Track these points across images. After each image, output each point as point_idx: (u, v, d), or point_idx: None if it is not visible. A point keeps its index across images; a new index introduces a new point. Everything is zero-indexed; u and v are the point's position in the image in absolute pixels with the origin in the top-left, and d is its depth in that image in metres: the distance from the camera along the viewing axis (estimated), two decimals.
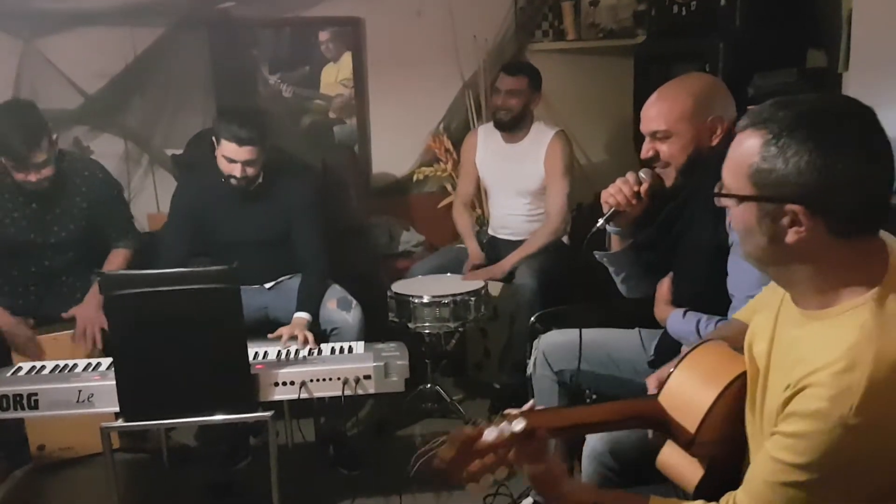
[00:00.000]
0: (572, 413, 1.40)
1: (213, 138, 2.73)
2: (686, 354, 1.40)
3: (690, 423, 1.31)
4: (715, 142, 1.85)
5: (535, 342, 2.32)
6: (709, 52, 2.99)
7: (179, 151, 3.56)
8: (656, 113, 1.86)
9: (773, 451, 1.14)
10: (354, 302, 2.78)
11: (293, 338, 2.55)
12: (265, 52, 3.76)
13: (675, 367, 1.39)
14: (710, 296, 1.83)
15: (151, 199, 3.71)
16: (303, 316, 2.69)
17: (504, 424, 1.23)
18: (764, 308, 1.34)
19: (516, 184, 3.27)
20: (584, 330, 2.08)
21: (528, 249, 3.17)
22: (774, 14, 2.91)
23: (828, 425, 1.06)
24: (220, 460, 2.82)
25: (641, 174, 1.92)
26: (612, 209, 1.93)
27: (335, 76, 3.84)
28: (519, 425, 1.23)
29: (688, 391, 1.34)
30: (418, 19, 3.80)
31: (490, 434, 1.22)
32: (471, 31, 3.80)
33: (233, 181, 2.70)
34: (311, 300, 2.76)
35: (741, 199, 1.16)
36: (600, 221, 1.94)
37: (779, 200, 1.11)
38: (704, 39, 3.02)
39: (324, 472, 2.76)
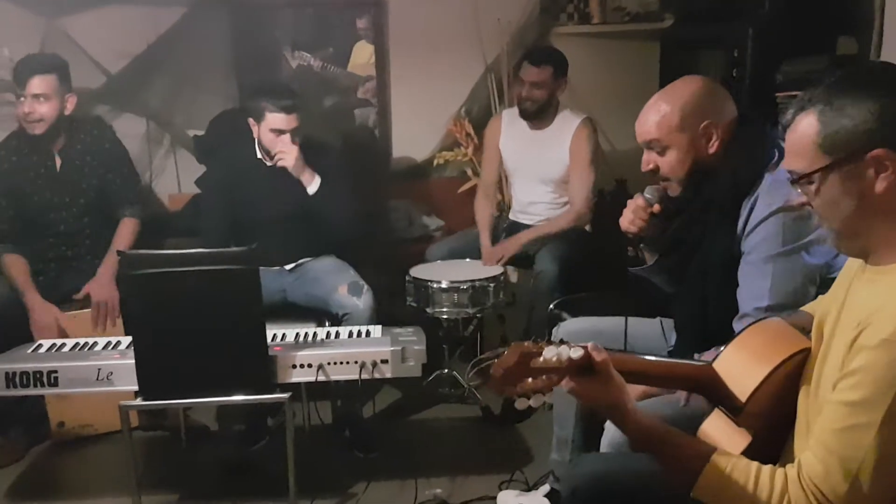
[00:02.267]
0: (629, 360, 1.39)
1: (251, 119, 2.72)
2: (746, 328, 1.40)
3: (742, 391, 1.31)
4: (712, 149, 1.80)
5: (555, 329, 2.30)
6: (737, 38, 2.94)
7: (201, 132, 3.56)
8: (646, 124, 1.82)
9: (837, 396, 1.14)
10: (366, 287, 2.78)
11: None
12: (287, 33, 3.74)
13: (735, 337, 1.39)
14: (716, 314, 1.81)
15: (173, 180, 3.72)
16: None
17: (563, 348, 1.24)
18: (834, 291, 1.34)
19: (540, 171, 3.23)
20: (603, 318, 2.06)
21: (547, 229, 3.13)
22: None
23: (893, 354, 1.07)
24: (237, 441, 2.84)
25: (647, 195, 1.90)
26: (634, 237, 1.94)
27: (365, 58, 3.81)
28: (577, 353, 1.25)
29: (744, 361, 1.35)
30: (442, 2, 3.76)
31: (549, 352, 1.23)
32: (494, 14, 3.75)
33: (280, 156, 2.71)
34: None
35: (824, 170, 1.17)
36: (630, 250, 1.98)
37: (859, 153, 1.14)
38: (732, 25, 2.97)
39: (340, 455, 2.77)
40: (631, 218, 1.92)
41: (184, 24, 3.54)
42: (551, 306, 2.75)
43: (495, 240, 3.28)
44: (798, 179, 1.21)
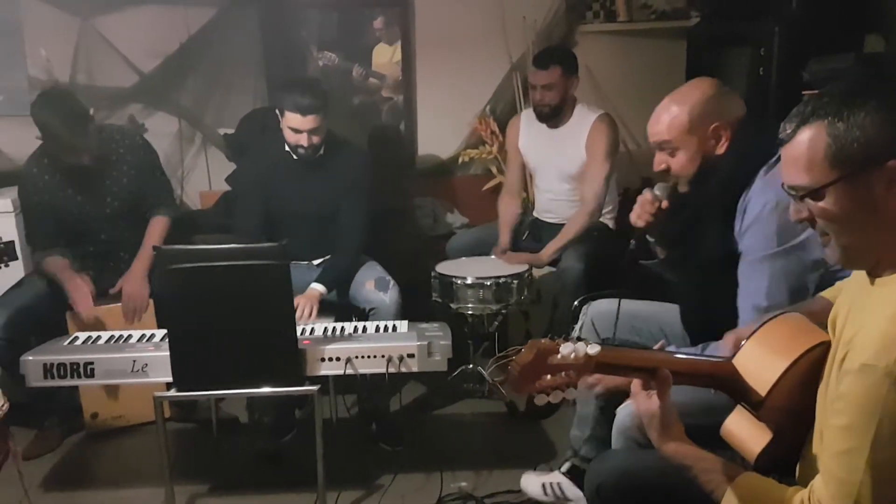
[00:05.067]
0: (649, 356, 1.40)
1: (277, 111, 2.79)
2: (765, 322, 1.41)
3: (762, 386, 1.32)
4: (721, 150, 1.84)
5: (584, 308, 2.33)
6: (763, 36, 2.93)
7: (231, 130, 3.62)
8: (659, 126, 1.86)
9: (831, 419, 1.15)
10: (392, 282, 2.82)
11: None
12: (315, 33, 3.79)
13: (753, 332, 1.40)
14: (718, 308, 1.82)
15: (204, 177, 3.79)
16: (317, 287, 2.73)
17: (580, 345, 1.26)
18: (850, 286, 1.34)
19: (558, 168, 3.24)
20: (635, 301, 2.08)
21: (566, 236, 3.13)
22: None
23: (874, 378, 1.07)
24: (266, 432, 2.89)
25: (657, 191, 1.94)
26: (642, 230, 1.96)
27: (389, 56, 3.86)
28: (594, 349, 1.26)
29: (763, 356, 1.36)
30: (468, 1, 3.79)
31: (565, 349, 1.25)
32: (520, 12, 3.78)
33: (300, 151, 2.76)
34: (333, 275, 2.80)
35: (834, 184, 1.14)
36: (632, 243, 1.99)
37: (872, 165, 1.11)
38: (759, 23, 2.96)
39: (366, 447, 2.81)
40: (639, 212, 1.95)
41: (215, 24, 3.60)
42: (576, 303, 2.76)
43: (518, 237, 3.30)
44: (804, 195, 1.18)
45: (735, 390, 1.38)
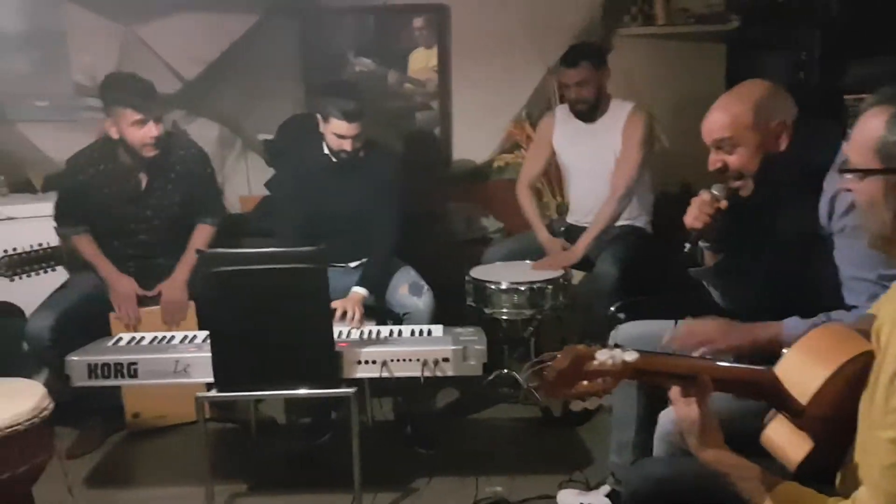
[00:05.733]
0: (688, 362, 1.40)
1: (318, 116, 2.84)
2: (807, 331, 1.41)
3: (803, 394, 1.31)
4: (783, 146, 1.85)
5: (612, 333, 2.31)
6: (805, 40, 2.90)
7: (270, 136, 3.67)
8: (718, 123, 1.87)
9: (883, 432, 1.14)
10: (426, 287, 2.84)
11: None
12: (353, 39, 3.82)
13: (796, 342, 1.39)
14: (803, 295, 1.81)
15: (243, 182, 3.84)
16: (359, 291, 2.77)
17: (617, 351, 1.26)
18: (890, 297, 1.33)
19: (596, 163, 3.22)
20: (662, 322, 2.06)
21: (599, 224, 3.10)
22: None
23: None
24: (302, 434, 2.93)
25: (714, 191, 1.92)
26: (698, 233, 1.94)
27: (426, 62, 3.88)
28: (631, 356, 1.26)
29: (805, 365, 1.34)
30: (504, 5, 3.80)
31: (602, 355, 1.25)
32: (556, 16, 3.77)
33: (342, 155, 2.81)
34: (372, 277, 2.83)
35: (871, 173, 1.19)
36: (687, 246, 1.96)
37: None
38: (800, 26, 2.92)
39: (401, 450, 2.84)
40: (696, 213, 1.93)
41: (255, 31, 3.64)
42: (611, 309, 2.75)
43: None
44: (847, 169, 1.25)
45: (776, 399, 1.37)
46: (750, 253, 1.97)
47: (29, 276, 2.59)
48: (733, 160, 1.87)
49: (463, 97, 3.92)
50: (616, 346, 1.29)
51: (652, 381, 1.37)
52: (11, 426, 2.10)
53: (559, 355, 1.26)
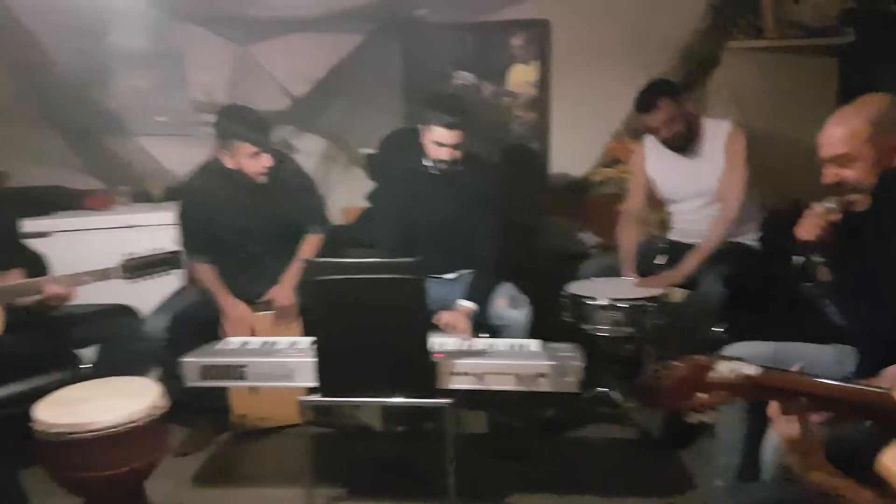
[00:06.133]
0: (805, 381, 1.35)
1: (420, 125, 2.90)
2: None
3: None
4: None
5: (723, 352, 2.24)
6: None
7: (372, 150, 3.77)
8: (836, 138, 1.84)
9: None
10: (524, 300, 2.84)
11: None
12: (453, 54, 3.88)
13: None
14: None
15: (346, 194, 3.95)
16: (467, 304, 2.79)
17: (738, 364, 1.23)
18: None
19: (696, 185, 3.13)
20: (773, 343, 1.99)
21: (708, 246, 3.01)
22: None
23: None
24: (398, 442, 2.97)
25: (828, 204, 1.89)
26: (810, 245, 1.91)
27: (524, 77, 3.90)
28: (753, 370, 1.24)
29: None
30: (605, 18, 3.77)
31: (723, 367, 1.23)
32: (660, 28, 3.71)
33: (441, 165, 2.86)
34: (478, 291, 2.85)
35: None
36: (799, 259, 1.94)
37: None
38: None
39: (494, 463, 2.83)
40: (809, 225, 1.90)
41: (361, 49, 3.76)
42: (715, 329, 2.67)
43: (649, 260, 3.20)
44: None
45: (891, 425, 1.30)
46: (864, 269, 1.89)
47: (146, 279, 2.77)
48: (850, 175, 1.84)
49: (562, 110, 3.91)
50: (738, 357, 1.27)
51: (769, 397, 1.32)
52: (130, 422, 2.24)
53: (679, 364, 1.25)
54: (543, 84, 3.89)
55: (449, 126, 2.81)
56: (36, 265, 3.03)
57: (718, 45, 3.73)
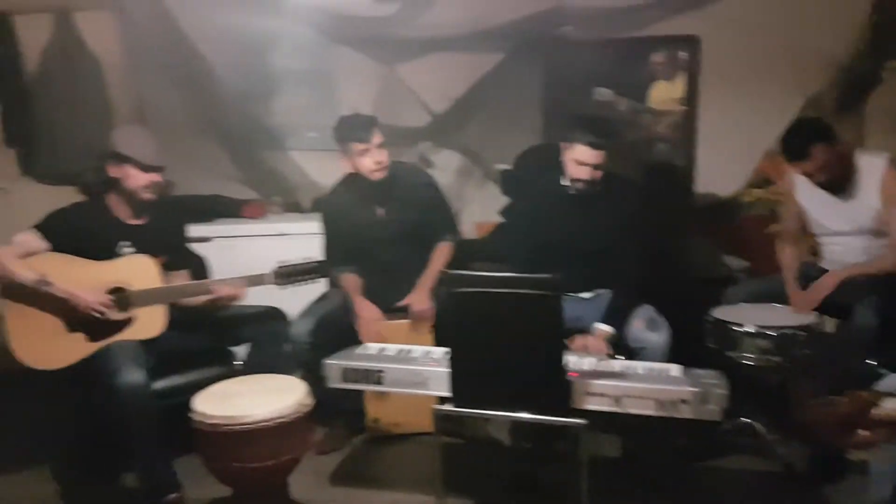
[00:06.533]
0: None
1: (562, 144, 2.91)
2: None
3: None
4: None
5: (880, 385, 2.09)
6: None
7: (508, 166, 3.80)
8: None
9: None
10: (663, 323, 2.77)
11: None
12: (594, 72, 3.85)
13: None
14: None
15: (480, 209, 4.00)
16: (604, 329, 2.75)
17: None
18: None
19: (850, 223, 2.95)
20: None
21: (867, 269, 2.83)
22: None
23: None
24: (526, 459, 2.96)
25: None
26: None
27: (668, 94, 3.82)
28: None
29: None
30: (758, 34, 3.62)
31: (889, 404, 1.16)
32: (816, 44, 3.52)
33: (580, 185, 2.85)
34: (616, 312, 2.81)
35: None
36: None
37: None
38: None
39: (626, 488, 2.76)
40: None
41: (502, 67, 3.81)
42: (868, 361, 2.49)
43: (804, 286, 3.04)
44: None
45: None
46: None
47: (295, 286, 2.93)
48: None
49: (710, 128, 3.79)
50: None
51: None
52: (278, 418, 2.38)
53: (844, 399, 1.19)
54: (690, 101, 3.78)
55: (594, 146, 2.80)
56: (199, 268, 3.29)
57: (879, 64, 3.50)
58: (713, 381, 2.29)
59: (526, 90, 3.87)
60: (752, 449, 2.95)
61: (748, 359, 2.77)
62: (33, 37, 3.92)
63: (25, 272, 2.64)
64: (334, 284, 3.31)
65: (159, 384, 2.75)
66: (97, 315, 2.71)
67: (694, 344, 2.91)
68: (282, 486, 2.57)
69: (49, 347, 2.72)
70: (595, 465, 2.69)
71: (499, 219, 3.78)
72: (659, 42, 3.76)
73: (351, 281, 3.25)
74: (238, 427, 2.33)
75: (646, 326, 2.76)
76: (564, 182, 2.94)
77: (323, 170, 3.95)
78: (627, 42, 3.81)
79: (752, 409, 2.99)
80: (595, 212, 2.91)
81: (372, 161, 3.12)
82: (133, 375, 2.59)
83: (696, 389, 2.23)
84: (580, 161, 2.82)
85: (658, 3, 3.66)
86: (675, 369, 2.45)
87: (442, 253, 3.27)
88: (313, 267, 2.97)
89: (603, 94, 3.86)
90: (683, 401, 2.23)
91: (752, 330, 2.73)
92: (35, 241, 2.72)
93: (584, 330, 2.88)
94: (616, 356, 2.72)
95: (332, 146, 3.97)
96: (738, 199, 3.74)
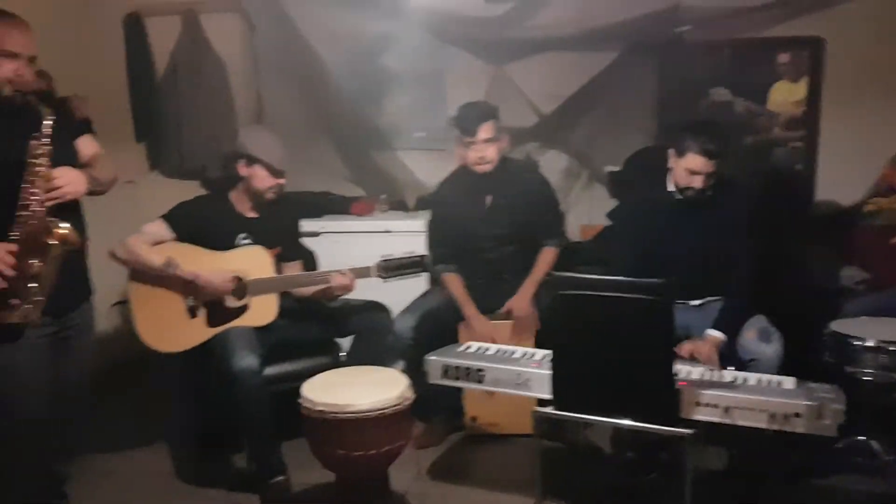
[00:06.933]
0: None
1: (671, 150, 2.83)
2: None
3: None
4: None
5: None
6: None
7: (617, 168, 3.74)
8: None
9: None
10: (776, 334, 2.67)
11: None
12: (712, 73, 3.74)
13: None
14: None
15: (586, 212, 3.95)
16: (715, 334, 2.67)
17: None
18: None
19: None
20: None
21: None
22: None
23: None
24: (628, 468, 2.90)
25: None
26: None
27: (788, 95, 3.66)
28: None
29: None
30: (887, 38, 3.43)
31: None
32: None
33: (688, 192, 2.78)
34: (727, 321, 2.72)
35: None
36: None
37: None
38: None
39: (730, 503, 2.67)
40: None
41: (614, 67, 3.72)
42: None
43: None
44: None
45: None
46: None
47: (396, 279, 3.00)
48: None
49: (833, 133, 3.62)
50: None
51: None
52: (381, 409, 2.44)
53: None
54: (812, 105, 3.61)
55: (707, 154, 2.71)
56: (309, 260, 3.41)
57: None
58: (829, 396, 2.19)
59: (639, 91, 3.79)
60: (867, 469, 2.79)
61: (867, 374, 2.63)
62: (163, 38, 4.15)
63: (154, 256, 2.82)
64: (436, 282, 3.35)
65: (269, 370, 2.87)
66: (221, 296, 2.84)
67: (809, 357, 2.79)
68: (382, 477, 2.63)
69: (171, 331, 2.89)
70: (699, 478, 2.63)
71: (605, 222, 3.72)
72: (780, 43, 3.61)
73: (454, 282, 3.27)
74: (343, 416, 2.41)
75: (758, 337, 2.66)
76: (671, 189, 2.87)
77: (429, 169, 4.00)
78: (747, 43, 3.67)
79: (869, 427, 2.83)
80: (705, 218, 2.83)
81: (476, 155, 3.14)
82: (248, 360, 2.72)
83: (810, 403, 2.14)
84: (692, 170, 2.74)
85: (781, 3, 3.51)
86: (788, 382, 2.36)
87: (547, 257, 3.26)
88: (415, 261, 3.03)
89: (720, 93, 3.73)
90: (797, 414, 2.15)
91: (872, 344, 2.60)
92: (162, 229, 2.89)
93: (692, 339, 2.80)
94: (727, 368, 2.63)
95: (439, 146, 4.07)
96: (859, 208, 3.53)
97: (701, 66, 3.72)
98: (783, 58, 3.61)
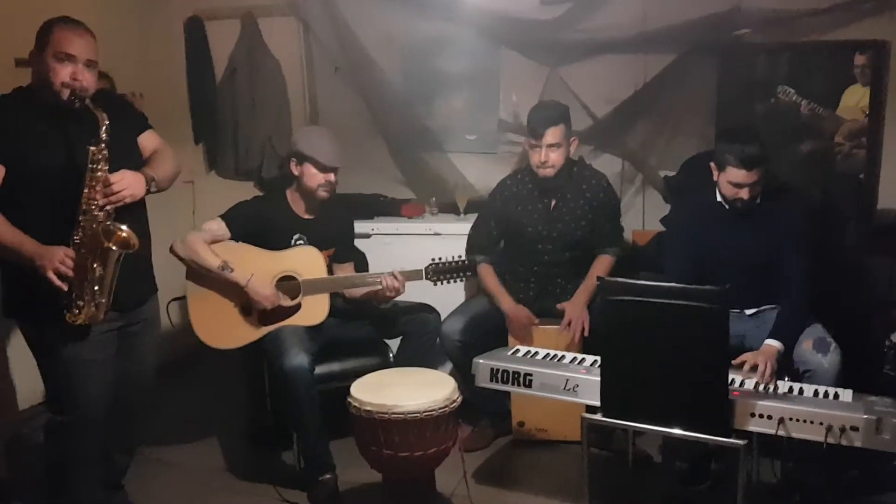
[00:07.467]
0: None
1: (713, 163, 2.78)
2: None
3: None
4: None
5: None
6: None
7: (672, 173, 3.68)
8: None
9: None
10: (833, 345, 2.59)
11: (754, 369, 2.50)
12: (774, 76, 3.63)
13: None
14: None
15: (639, 216, 3.89)
16: (773, 344, 2.60)
17: None
18: None
19: None
20: None
21: None
22: None
23: None
24: (678, 477, 2.86)
25: None
26: None
27: (857, 100, 3.54)
28: None
29: None
30: None
31: None
32: None
33: (738, 204, 2.73)
34: (786, 330, 2.65)
35: None
36: None
37: None
38: None
39: None
40: None
41: (670, 70, 3.65)
42: None
43: None
44: None
45: None
46: None
47: (445, 282, 3.01)
48: None
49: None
50: None
51: None
52: (427, 410, 2.45)
53: None
54: (877, 110, 3.49)
55: (745, 165, 2.64)
56: (361, 262, 3.45)
57: None
58: (889, 409, 2.12)
59: (696, 95, 3.70)
60: None
61: None
62: (222, 41, 4.25)
63: (211, 257, 2.88)
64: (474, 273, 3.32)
65: (319, 369, 2.90)
66: (266, 307, 2.90)
67: (868, 370, 2.71)
68: (428, 478, 2.64)
69: (225, 328, 2.95)
70: (752, 490, 2.57)
71: (659, 227, 3.66)
72: (844, 47, 3.50)
73: (488, 273, 3.26)
74: (390, 416, 2.43)
75: (815, 347, 2.58)
76: (719, 199, 2.82)
77: (479, 173, 4.00)
78: (809, 45, 3.56)
79: None
80: (758, 226, 2.76)
81: (537, 159, 3.12)
82: (299, 358, 2.76)
83: (869, 417, 2.08)
84: (734, 183, 2.68)
85: (844, 6, 3.40)
86: (846, 394, 2.29)
87: (603, 264, 3.21)
88: (464, 265, 3.03)
89: (787, 92, 3.61)
90: (854, 428, 2.09)
91: None
92: (221, 228, 2.96)
93: (746, 347, 2.74)
94: (783, 378, 2.57)
95: (490, 149, 4.07)
96: None
97: (764, 69, 3.63)
98: (859, 60, 3.48)
